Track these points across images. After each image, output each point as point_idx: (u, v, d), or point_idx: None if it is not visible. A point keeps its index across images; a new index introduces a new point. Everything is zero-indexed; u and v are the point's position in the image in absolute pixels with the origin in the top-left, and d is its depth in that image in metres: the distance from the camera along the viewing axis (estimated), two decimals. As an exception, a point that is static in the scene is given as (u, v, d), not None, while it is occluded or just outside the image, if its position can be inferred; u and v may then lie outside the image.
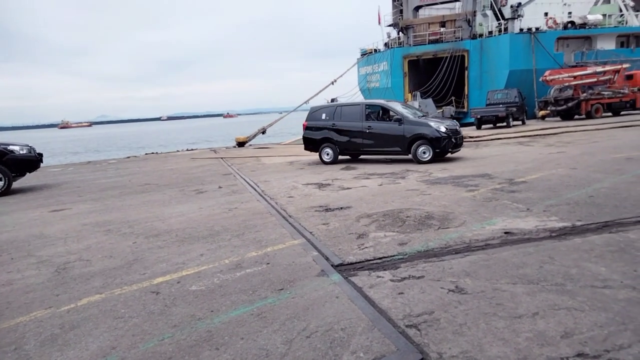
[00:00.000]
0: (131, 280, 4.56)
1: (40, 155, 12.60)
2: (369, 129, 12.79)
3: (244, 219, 6.92)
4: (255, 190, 9.71)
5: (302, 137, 14.35)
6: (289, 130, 51.93)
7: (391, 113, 12.66)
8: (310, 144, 14.03)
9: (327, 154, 13.61)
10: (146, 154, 25.78)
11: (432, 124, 12.06)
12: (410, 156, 12.32)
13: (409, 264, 4.45)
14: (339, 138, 13.34)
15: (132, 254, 5.49)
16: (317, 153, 13.96)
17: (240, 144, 26.04)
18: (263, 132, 28.92)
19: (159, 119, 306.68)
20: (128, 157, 23.45)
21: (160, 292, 4.18)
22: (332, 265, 4.57)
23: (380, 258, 4.69)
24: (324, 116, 13.68)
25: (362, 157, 14.21)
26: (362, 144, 13.04)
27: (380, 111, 12.96)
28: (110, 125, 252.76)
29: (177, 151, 26.38)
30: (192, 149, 27.09)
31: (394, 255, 4.73)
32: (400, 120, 12.33)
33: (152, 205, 8.70)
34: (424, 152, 12.04)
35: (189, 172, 14.17)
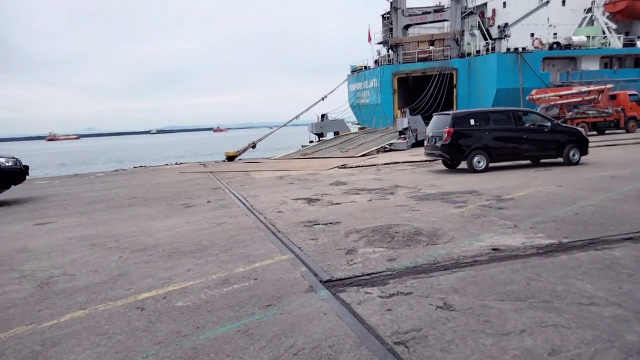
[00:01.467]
0: (116, 296, 4.48)
1: (26, 167, 12.44)
2: (526, 135, 13.00)
3: (232, 234, 6.87)
4: (244, 204, 9.66)
5: (445, 144, 12.94)
6: (280, 145, 52.00)
7: (540, 120, 13.65)
8: (458, 151, 13.04)
9: (479, 161, 12.83)
10: (134, 167, 25.58)
11: (574, 130, 13.94)
12: (561, 159, 13.19)
13: (398, 280, 4.44)
14: (493, 144, 12.87)
15: (117, 269, 5.40)
16: (464, 160, 13.19)
17: (230, 158, 25.98)
18: (253, 147, 28.92)
19: (148, 132, 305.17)
20: (116, 171, 23.24)
21: (146, 308, 4.11)
22: (320, 281, 4.54)
23: (368, 274, 4.67)
24: (472, 122, 13.03)
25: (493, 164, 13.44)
26: (519, 150, 13.15)
27: (519, 117, 13.47)
28: (98, 138, 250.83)
29: (166, 165, 26.22)
30: (181, 163, 26.96)
31: (382, 271, 4.72)
32: (552, 127, 13.23)
33: (140, 219, 8.60)
34: (574, 155, 13.12)
35: (177, 186, 14.07)
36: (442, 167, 14.61)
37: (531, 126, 13.38)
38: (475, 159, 12.83)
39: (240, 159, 26.15)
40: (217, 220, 8.02)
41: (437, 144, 13.25)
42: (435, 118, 14.22)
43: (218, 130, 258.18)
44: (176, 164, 26.61)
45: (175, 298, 4.32)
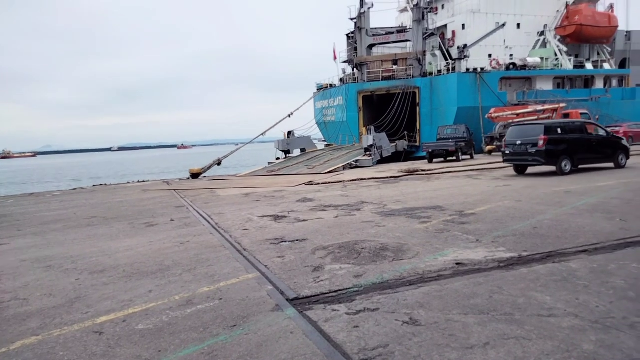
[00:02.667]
0: (72, 320, 4.28)
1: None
2: (594, 143, 15.17)
3: (197, 253, 6.72)
4: (209, 223, 9.49)
5: (541, 150, 14.34)
6: (246, 162, 51.61)
7: (600, 130, 15.69)
8: (551, 156, 14.52)
9: (566, 165, 14.64)
10: (94, 185, 24.75)
11: (621, 139, 15.97)
12: (612, 164, 15.44)
13: (365, 297, 4.44)
14: (574, 150, 14.75)
15: (74, 292, 5.17)
16: (553, 165, 14.74)
17: (195, 175, 25.55)
18: (218, 164, 28.56)
19: (109, 149, 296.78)
20: (74, 189, 22.41)
21: (104, 332, 3.94)
22: (287, 300, 4.49)
23: (335, 291, 4.66)
24: (559, 131, 14.66)
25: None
26: (589, 155, 15.13)
27: (586, 128, 15.32)
28: (56, 156, 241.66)
29: (128, 183, 25.51)
30: (143, 181, 26.29)
31: (349, 288, 4.72)
32: (608, 135, 15.37)
33: (99, 240, 8.30)
34: (622, 159, 15.47)
35: (139, 204, 13.69)
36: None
37: (596, 135, 15.47)
38: (563, 163, 14.64)
39: (205, 177, 25.76)
40: (180, 239, 7.83)
41: (529, 150, 14.72)
42: (519, 128, 15.97)
43: (182, 147, 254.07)
44: (138, 182, 25.92)
45: (135, 321, 4.16)
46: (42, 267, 6.46)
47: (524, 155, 15.01)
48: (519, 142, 15.09)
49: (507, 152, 15.72)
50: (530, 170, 16.16)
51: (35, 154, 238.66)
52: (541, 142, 14.31)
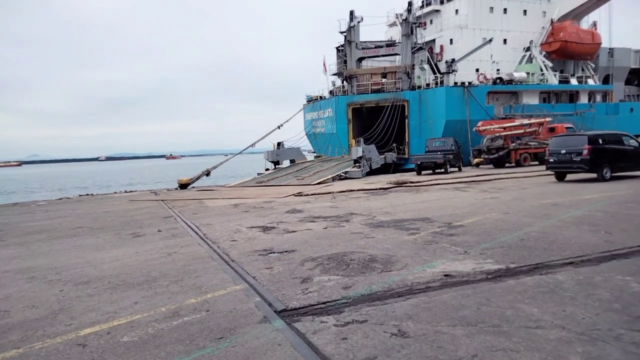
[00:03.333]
0: (55, 332, 4.19)
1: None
2: (629, 152, 16.23)
3: (184, 264, 6.65)
4: (197, 233, 9.41)
5: (585, 159, 15.49)
6: (235, 173, 51.44)
7: (631, 141, 16.54)
8: (594, 164, 15.63)
9: (606, 172, 15.75)
10: (80, 195, 24.44)
11: None
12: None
13: (353, 308, 4.42)
14: (612, 159, 15.86)
15: (57, 303, 5.07)
16: (595, 172, 15.83)
17: (183, 185, 25.37)
18: (207, 174, 28.42)
19: (96, 159, 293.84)
20: (60, 199, 22.10)
21: (88, 345, 3.86)
22: (275, 311, 4.45)
23: (324, 302, 4.63)
24: (600, 141, 15.74)
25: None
26: (623, 164, 16.24)
27: (622, 139, 16.39)
28: (42, 165, 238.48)
29: (115, 193, 25.24)
30: (131, 191, 26.04)
31: (338, 300, 4.69)
32: (638, 146, 16.33)
33: (84, 250, 8.17)
34: None
35: (126, 214, 13.54)
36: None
37: (629, 146, 16.45)
38: (604, 171, 15.74)
39: (193, 187, 25.60)
40: (167, 250, 7.75)
41: (574, 159, 15.88)
42: (563, 138, 17.27)
43: (171, 157, 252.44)
44: (126, 192, 25.67)
45: (120, 333, 4.09)
46: (25, 278, 6.33)
47: (568, 163, 16.15)
48: (563, 151, 16.25)
49: (551, 160, 16.78)
50: (513, 183, 16.34)
51: (21, 163, 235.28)
52: (585, 152, 15.52)
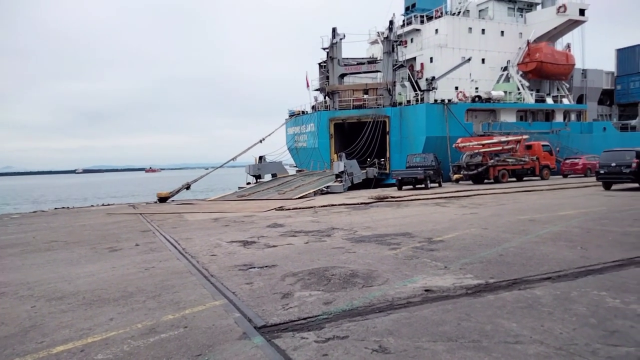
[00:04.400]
0: (25, 350, 4.04)
1: None
2: None
3: (162, 279, 6.51)
4: (176, 248, 9.26)
5: (634, 171, 17.94)
6: (216, 186, 51.00)
7: None
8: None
9: None
10: (56, 208, 23.85)
11: None
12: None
13: (334, 324, 4.39)
14: None
15: (29, 320, 4.90)
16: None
17: (162, 199, 25.02)
18: (187, 188, 28.10)
19: (74, 171, 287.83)
20: (34, 212, 21.52)
21: (60, 363, 3.73)
22: (254, 327, 4.39)
23: (305, 318, 4.59)
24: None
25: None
26: None
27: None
28: (17, 177, 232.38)
29: (92, 206, 24.71)
30: (108, 204, 25.53)
31: (318, 315, 4.66)
32: None
33: (58, 265, 7.95)
34: None
35: (103, 228, 13.25)
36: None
37: None
38: None
39: (173, 201, 25.26)
40: (145, 265, 7.59)
41: (624, 171, 18.28)
42: (613, 153, 19.44)
43: (150, 170, 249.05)
44: (103, 205, 25.15)
45: (94, 350, 3.96)
46: (-6, 293, 6.11)
47: (617, 175, 18.58)
48: (613, 164, 18.62)
49: (602, 172, 19.12)
50: (491, 199, 16.55)
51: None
52: (634, 164, 18.04)
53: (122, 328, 4.51)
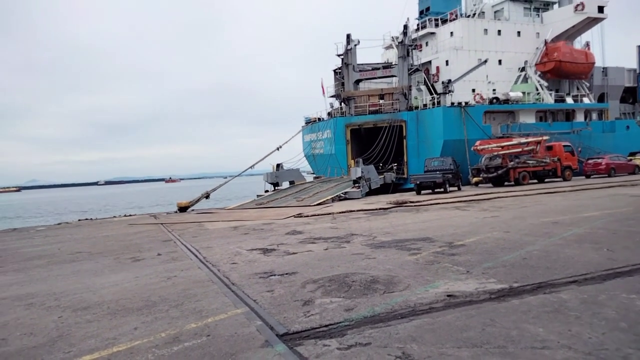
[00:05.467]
0: (53, 360, 4.11)
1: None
2: None
3: (184, 288, 6.58)
4: (197, 257, 9.35)
5: None
6: (234, 195, 51.40)
7: None
8: None
9: None
10: (79, 220, 24.36)
11: None
12: None
13: (356, 331, 4.36)
14: None
15: (56, 330, 4.99)
16: None
17: (182, 209, 25.32)
18: (207, 197, 28.39)
19: (96, 183, 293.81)
20: (59, 224, 22.01)
21: (87, 373, 3.79)
22: (276, 335, 4.39)
23: (326, 325, 4.57)
24: None
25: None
26: None
27: None
28: (41, 190, 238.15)
29: (114, 217, 25.17)
30: (130, 215, 25.96)
31: (340, 322, 4.63)
32: None
33: (83, 276, 8.10)
34: None
35: (125, 239, 13.47)
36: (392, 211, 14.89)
37: None
38: None
39: (193, 210, 25.55)
40: (167, 274, 7.68)
41: None
42: None
43: (170, 180, 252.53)
44: (125, 215, 25.59)
45: (120, 360, 4.02)
46: (23, 304, 6.26)
47: None
48: None
49: None
50: (513, 202, 16.28)
51: (20, 189, 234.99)
52: None
53: (146, 337, 4.56)
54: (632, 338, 3.83)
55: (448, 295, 5.33)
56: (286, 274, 7.11)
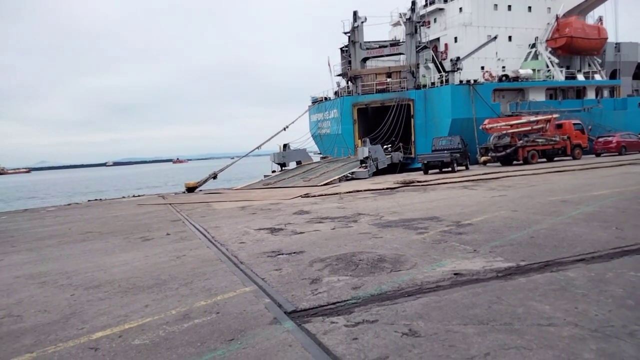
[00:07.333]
0: (67, 336, 4.22)
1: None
2: None
3: (193, 267, 6.67)
4: (205, 236, 9.44)
5: None
6: (242, 175, 51.57)
7: None
8: None
9: None
10: (89, 200, 24.62)
11: None
12: None
13: (363, 308, 4.41)
14: None
15: (69, 307, 5.10)
16: None
17: (190, 189, 25.48)
18: (214, 177, 28.51)
19: (104, 164, 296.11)
20: (69, 204, 22.27)
21: (100, 348, 3.89)
22: (285, 312, 4.45)
23: (334, 303, 4.63)
24: None
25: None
26: None
27: None
28: (51, 171, 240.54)
29: (123, 197, 25.40)
30: (139, 195, 26.18)
31: (347, 300, 4.69)
32: None
33: (94, 255, 8.23)
34: None
35: (134, 218, 13.62)
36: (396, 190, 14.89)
37: None
38: None
39: (201, 190, 25.70)
40: (176, 253, 7.78)
41: None
42: None
43: (178, 161, 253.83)
44: (134, 196, 25.82)
45: (132, 336, 4.11)
46: (36, 283, 6.39)
47: None
48: None
49: None
50: (521, 181, 16.19)
51: (30, 170, 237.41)
52: None
53: (157, 314, 4.65)
54: (638, 315, 3.84)
55: (455, 274, 5.36)
56: (294, 253, 7.17)
